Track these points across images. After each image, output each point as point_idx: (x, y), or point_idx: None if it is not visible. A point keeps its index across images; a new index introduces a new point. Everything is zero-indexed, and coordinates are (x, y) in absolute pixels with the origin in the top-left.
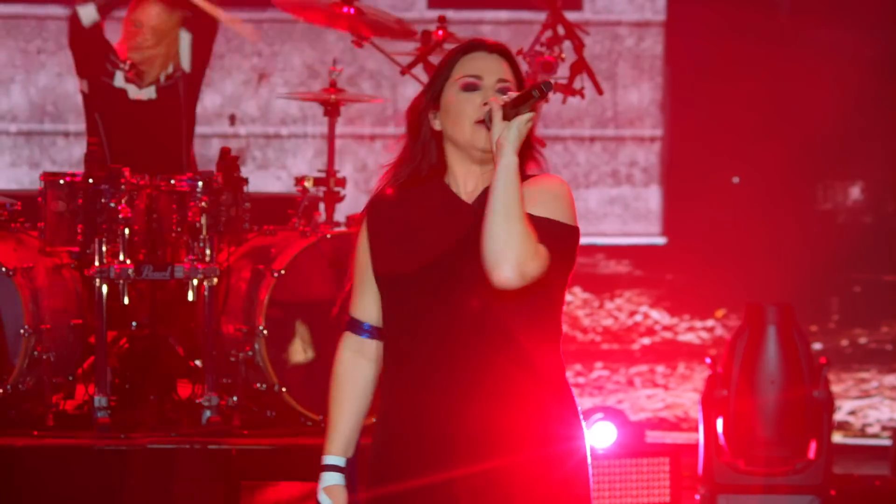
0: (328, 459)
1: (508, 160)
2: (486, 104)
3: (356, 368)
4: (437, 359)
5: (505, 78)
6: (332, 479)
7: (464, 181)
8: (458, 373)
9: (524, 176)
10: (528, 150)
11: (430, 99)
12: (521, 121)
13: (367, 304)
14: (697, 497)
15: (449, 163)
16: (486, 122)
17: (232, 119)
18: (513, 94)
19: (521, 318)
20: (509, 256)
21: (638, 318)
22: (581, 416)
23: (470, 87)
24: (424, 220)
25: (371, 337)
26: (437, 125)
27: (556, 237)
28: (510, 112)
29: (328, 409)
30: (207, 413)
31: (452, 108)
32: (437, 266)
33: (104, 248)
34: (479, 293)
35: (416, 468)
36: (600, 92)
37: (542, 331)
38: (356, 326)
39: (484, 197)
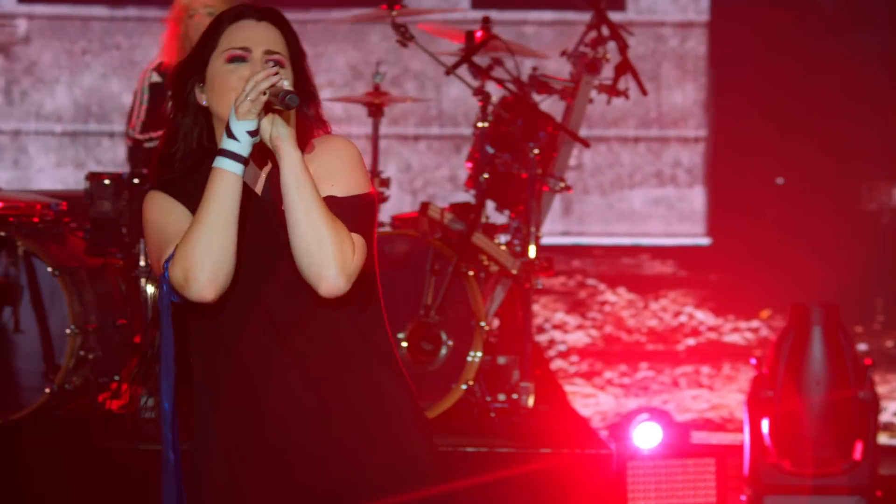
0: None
1: (290, 158)
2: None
3: None
4: (258, 363)
5: (274, 49)
6: None
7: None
8: (285, 375)
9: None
10: (305, 121)
11: (195, 70)
12: (286, 116)
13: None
14: (743, 498)
15: (220, 143)
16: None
17: None
18: (278, 86)
19: (340, 306)
20: (329, 266)
21: (683, 318)
22: (407, 383)
23: (236, 59)
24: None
25: None
26: (203, 100)
27: (363, 214)
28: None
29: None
30: None
31: (217, 82)
32: (251, 268)
33: None
34: (288, 293)
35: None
36: (644, 92)
37: (360, 306)
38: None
39: (271, 185)
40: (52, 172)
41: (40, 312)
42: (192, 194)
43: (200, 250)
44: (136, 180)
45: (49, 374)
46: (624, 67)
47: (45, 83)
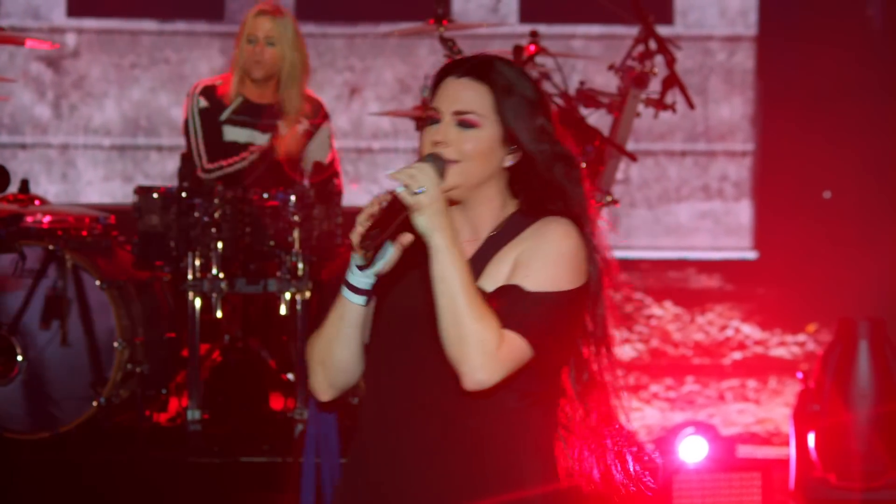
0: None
1: (437, 249)
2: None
3: None
4: (403, 407)
5: (465, 109)
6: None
7: (474, 223)
8: (421, 432)
9: (519, 217)
10: (525, 184)
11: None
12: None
13: None
14: None
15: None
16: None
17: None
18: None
19: (500, 389)
20: (466, 362)
21: (729, 332)
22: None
23: (431, 121)
24: (404, 257)
25: None
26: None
27: (541, 313)
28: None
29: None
30: (299, 427)
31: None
32: (411, 312)
33: (197, 262)
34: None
35: None
36: (692, 106)
37: (525, 398)
38: None
39: (486, 250)
40: (101, 186)
41: (88, 326)
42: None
43: (316, 360)
44: (184, 194)
45: (97, 387)
46: (671, 81)
47: (93, 97)
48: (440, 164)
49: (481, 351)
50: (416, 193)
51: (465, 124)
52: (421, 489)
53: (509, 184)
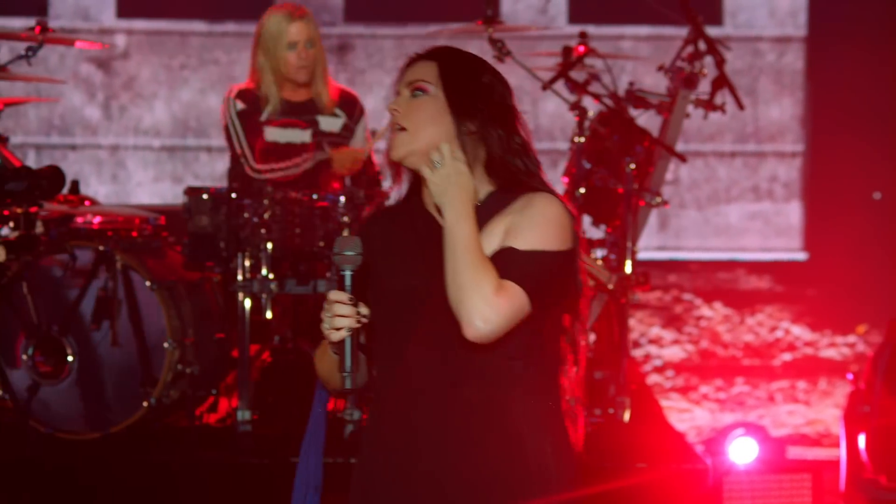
0: None
1: (447, 214)
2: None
3: None
4: (413, 381)
5: (412, 79)
6: None
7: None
8: (430, 404)
9: (498, 194)
10: (499, 165)
11: None
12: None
13: None
14: None
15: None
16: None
17: (372, 134)
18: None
19: (501, 348)
20: (468, 312)
21: (779, 333)
22: (565, 453)
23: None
24: (402, 238)
25: None
26: None
27: (536, 269)
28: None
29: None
30: (350, 427)
31: None
32: (412, 291)
33: (247, 263)
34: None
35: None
36: (741, 107)
37: (526, 359)
38: None
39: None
40: (150, 187)
41: (138, 326)
42: (388, 231)
43: (323, 378)
44: (233, 195)
45: (147, 387)
46: (721, 82)
47: (143, 98)
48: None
49: (479, 295)
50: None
51: (414, 91)
52: (437, 462)
53: (485, 167)
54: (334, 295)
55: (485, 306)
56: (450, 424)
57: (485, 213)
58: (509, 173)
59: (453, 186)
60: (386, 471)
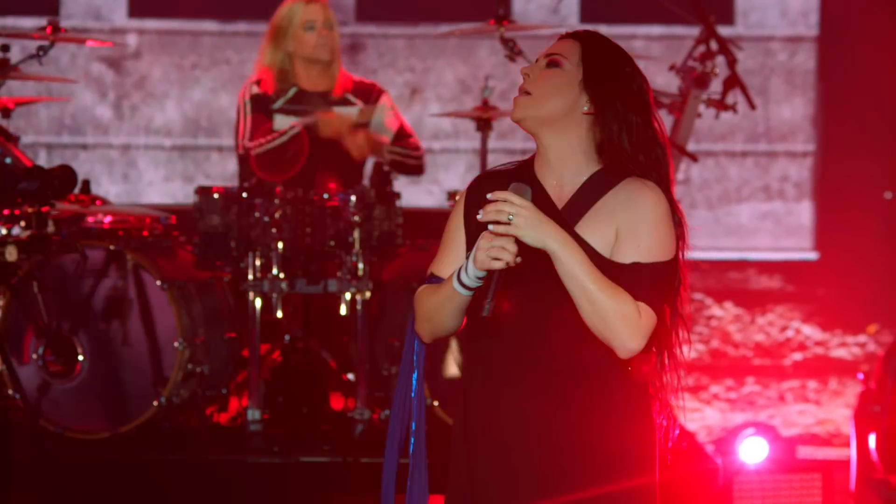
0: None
1: (553, 249)
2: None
3: None
4: (509, 363)
5: (551, 52)
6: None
7: (558, 170)
8: (527, 388)
9: (602, 175)
10: (614, 150)
11: None
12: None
13: (447, 265)
14: None
15: (539, 145)
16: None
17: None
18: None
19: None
20: (616, 338)
21: (789, 333)
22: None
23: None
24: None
25: None
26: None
27: (660, 283)
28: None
29: (428, 305)
30: (360, 427)
31: None
32: (520, 272)
33: (257, 262)
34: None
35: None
36: (753, 107)
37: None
38: (434, 280)
39: (575, 204)
40: (161, 186)
41: (149, 325)
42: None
43: (422, 316)
44: (244, 194)
45: (157, 386)
46: (732, 82)
47: (154, 97)
48: (520, 188)
49: (627, 323)
50: (508, 222)
51: (550, 64)
52: (541, 449)
53: (596, 147)
54: (501, 228)
55: (634, 330)
56: (556, 413)
57: (588, 192)
58: (620, 157)
59: (540, 224)
60: (491, 453)
